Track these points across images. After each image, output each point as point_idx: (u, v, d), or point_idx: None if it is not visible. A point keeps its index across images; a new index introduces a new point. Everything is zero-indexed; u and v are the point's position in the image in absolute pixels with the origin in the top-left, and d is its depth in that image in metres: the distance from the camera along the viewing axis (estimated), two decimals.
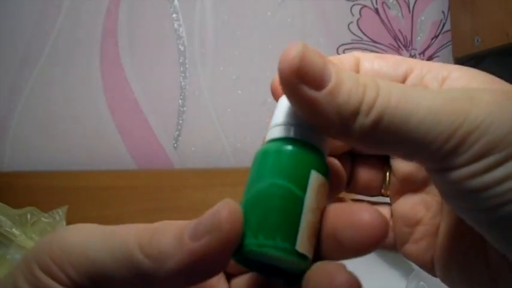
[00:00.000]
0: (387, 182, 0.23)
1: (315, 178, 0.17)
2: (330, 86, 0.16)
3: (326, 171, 0.18)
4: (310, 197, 0.17)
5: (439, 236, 0.22)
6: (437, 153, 0.16)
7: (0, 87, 0.78)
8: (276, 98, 0.21)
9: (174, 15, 0.76)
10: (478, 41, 0.63)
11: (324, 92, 0.16)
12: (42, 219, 0.57)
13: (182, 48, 0.76)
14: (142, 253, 0.16)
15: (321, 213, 0.18)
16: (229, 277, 0.23)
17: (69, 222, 0.60)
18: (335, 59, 0.21)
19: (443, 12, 0.73)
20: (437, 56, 0.74)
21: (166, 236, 0.16)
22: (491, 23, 0.60)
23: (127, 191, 0.71)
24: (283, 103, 0.19)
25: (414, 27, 0.74)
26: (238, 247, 0.16)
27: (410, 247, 0.22)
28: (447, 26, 0.73)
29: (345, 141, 0.18)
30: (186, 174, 0.72)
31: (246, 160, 0.74)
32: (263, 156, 0.18)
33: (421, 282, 0.48)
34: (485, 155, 0.16)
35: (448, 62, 0.74)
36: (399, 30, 0.74)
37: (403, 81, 0.21)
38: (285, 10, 0.75)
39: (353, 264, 0.17)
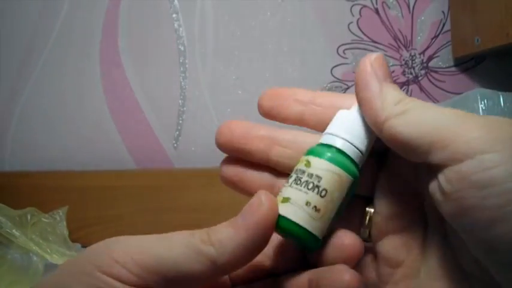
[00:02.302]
0: (366, 222, 0.24)
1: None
2: (387, 83, 0.22)
3: (355, 176, 0.22)
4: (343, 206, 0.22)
5: (420, 279, 0.22)
6: (448, 144, 0.19)
7: (1, 87, 0.78)
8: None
9: (174, 15, 0.76)
10: (478, 41, 0.63)
11: (383, 83, 0.22)
12: (43, 219, 0.57)
13: (182, 48, 0.76)
14: (207, 245, 0.20)
15: (342, 203, 0.22)
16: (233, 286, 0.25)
17: (69, 222, 0.60)
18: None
19: (443, 12, 0.73)
20: (437, 56, 0.74)
21: (221, 228, 0.21)
22: (491, 23, 0.60)
23: (127, 191, 0.71)
24: (341, 116, 0.23)
25: (414, 27, 0.74)
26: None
27: None
28: (447, 26, 0.73)
29: (381, 123, 0.21)
30: (186, 174, 0.72)
31: None
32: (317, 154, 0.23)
33: None
34: (490, 151, 0.18)
35: (448, 62, 0.74)
36: (399, 30, 0.74)
37: None
38: (285, 10, 0.75)
39: None
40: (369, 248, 0.24)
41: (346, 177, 0.22)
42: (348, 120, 0.23)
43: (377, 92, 0.22)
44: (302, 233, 0.21)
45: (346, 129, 0.23)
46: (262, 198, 0.21)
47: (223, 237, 0.20)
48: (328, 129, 0.23)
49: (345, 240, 0.22)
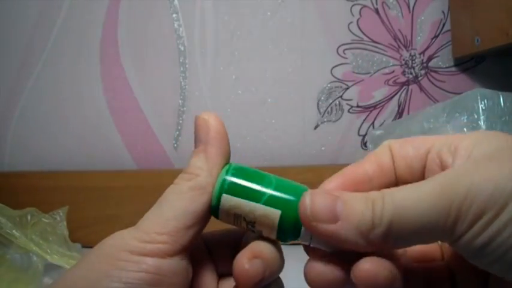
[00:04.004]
0: None
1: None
2: (343, 215, 0.20)
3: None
4: None
5: None
6: (445, 231, 0.19)
7: (1, 88, 0.78)
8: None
9: (174, 15, 0.76)
10: (478, 41, 0.63)
11: (340, 222, 0.20)
12: (43, 220, 0.57)
13: (182, 48, 0.76)
14: (192, 179, 0.23)
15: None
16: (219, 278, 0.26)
17: (69, 222, 0.60)
18: (371, 155, 0.24)
19: (443, 12, 0.73)
20: (437, 56, 0.74)
21: (193, 161, 0.25)
22: (491, 23, 0.60)
23: (127, 191, 0.71)
24: None
25: (414, 27, 0.74)
26: None
27: None
28: (447, 26, 0.73)
29: (371, 250, 0.21)
30: None
31: (246, 160, 0.74)
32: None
33: None
34: (478, 219, 0.19)
35: (448, 62, 0.74)
36: (399, 30, 0.74)
37: (425, 159, 0.23)
38: (285, 10, 0.75)
39: None
40: None
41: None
42: None
43: (344, 237, 0.20)
44: None
45: None
46: (203, 116, 0.24)
47: (200, 165, 0.23)
48: None
49: None
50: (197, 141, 0.25)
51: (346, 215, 0.20)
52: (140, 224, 0.22)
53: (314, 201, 0.21)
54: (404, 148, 0.24)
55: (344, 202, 0.20)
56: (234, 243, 0.26)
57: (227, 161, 0.24)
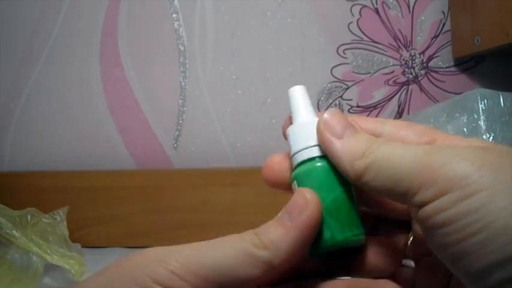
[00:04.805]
0: (408, 243, 0.25)
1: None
2: (348, 135, 0.22)
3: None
4: (353, 191, 0.24)
5: None
6: (410, 192, 0.20)
7: (0, 87, 0.78)
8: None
9: (174, 15, 0.76)
10: (478, 41, 0.63)
11: (343, 139, 0.22)
12: (43, 220, 0.57)
13: (182, 48, 0.76)
14: (260, 248, 0.21)
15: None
16: None
17: (69, 223, 0.60)
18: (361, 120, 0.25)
19: (443, 12, 0.73)
20: (437, 56, 0.74)
21: (270, 229, 0.21)
22: (491, 23, 0.60)
23: (127, 191, 0.71)
24: (296, 131, 0.25)
25: (414, 27, 0.74)
26: (318, 244, 0.23)
27: None
28: (447, 26, 0.73)
29: (353, 177, 0.22)
30: (186, 174, 0.72)
31: (246, 160, 0.74)
32: (308, 176, 0.24)
33: None
34: (442, 194, 0.18)
35: (448, 62, 0.74)
36: (399, 30, 0.74)
37: None
38: (285, 10, 0.75)
39: None
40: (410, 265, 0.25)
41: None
42: (303, 130, 0.25)
43: (338, 152, 0.22)
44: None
45: (309, 138, 0.24)
46: (307, 195, 0.22)
47: (275, 238, 0.21)
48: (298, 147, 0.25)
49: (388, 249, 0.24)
50: (287, 213, 0.22)
51: (349, 137, 0.22)
52: (178, 253, 0.21)
53: (337, 114, 0.23)
54: (402, 131, 0.24)
55: (355, 131, 0.23)
56: None
57: (306, 251, 0.23)
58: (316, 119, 0.24)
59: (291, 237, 0.21)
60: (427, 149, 0.20)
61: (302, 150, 0.24)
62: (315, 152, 0.24)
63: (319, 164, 0.24)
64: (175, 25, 0.76)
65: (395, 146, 0.21)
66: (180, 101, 0.76)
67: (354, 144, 0.22)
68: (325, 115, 0.23)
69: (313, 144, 0.24)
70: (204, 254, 0.21)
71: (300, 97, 0.26)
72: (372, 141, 0.22)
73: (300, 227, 0.21)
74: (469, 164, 0.18)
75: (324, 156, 0.24)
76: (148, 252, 0.21)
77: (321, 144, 0.23)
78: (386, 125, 0.24)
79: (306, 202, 0.22)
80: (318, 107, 0.75)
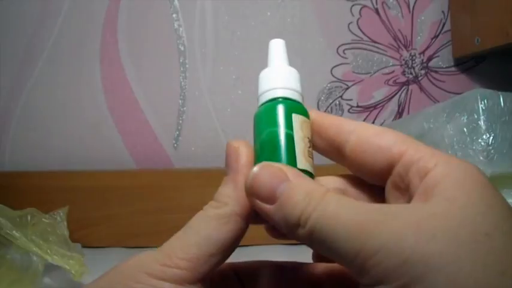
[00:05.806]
0: None
1: (295, 118, 0.24)
2: (281, 200, 0.20)
3: (305, 112, 0.24)
4: (296, 132, 0.23)
5: None
6: (353, 269, 0.18)
7: (1, 87, 0.78)
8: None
9: (174, 15, 0.76)
10: (478, 41, 0.63)
11: (274, 205, 0.20)
12: (43, 220, 0.57)
13: (182, 48, 0.76)
14: (222, 207, 0.22)
15: (310, 141, 0.24)
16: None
17: (69, 223, 0.60)
18: (334, 119, 0.24)
19: (443, 12, 0.73)
20: (437, 56, 0.74)
21: (221, 189, 0.23)
22: (491, 23, 0.60)
23: (127, 191, 0.71)
24: (263, 76, 0.26)
25: (414, 27, 0.74)
26: None
27: None
28: (447, 26, 0.73)
29: (302, 242, 0.20)
30: (186, 174, 0.72)
31: None
32: (258, 116, 0.24)
33: None
34: (378, 283, 0.17)
35: (448, 62, 0.74)
36: (399, 30, 0.74)
37: (391, 166, 0.21)
38: (285, 10, 0.75)
39: None
40: None
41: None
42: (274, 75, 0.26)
43: (274, 220, 0.20)
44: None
45: (281, 81, 0.25)
46: (233, 144, 0.23)
47: (227, 192, 0.22)
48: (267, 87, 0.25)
49: None
50: (227, 169, 0.23)
51: (282, 202, 0.20)
52: (163, 247, 0.22)
53: (260, 175, 0.21)
54: (370, 139, 0.22)
55: (289, 187, 0.20)
56: (269, 275, 0.25)
57: None
58: (288, 68, 0.25)
59: (239, 183, 0.22)
60: (373, 219, 0.18)
61: (260, 94, 0.25)
62: (276, 94, 0.24)
63: (275, 104, 0.24)
64: (175, 25, 0.76)
65: (340, 203, 0.19)
66: (180, 101, 0.76)
67: (289, 210, 0.20)
68: (254, 170, 0.21)
69: (274, 87, 0.25)
70: (181, 237, 0.22)
71: (278, 48, 0.29)
72: (311, 198, 0.19)
73: (242, 170, 0.22)
74: (399, 254, 0.16)
75: (285, 98, 0.24)
76: (142, 254, 0.22)
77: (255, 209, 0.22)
78: (353, 134, 0.23)
79: (236, 149, 0.23)
80: (318, 107, 0.75)
